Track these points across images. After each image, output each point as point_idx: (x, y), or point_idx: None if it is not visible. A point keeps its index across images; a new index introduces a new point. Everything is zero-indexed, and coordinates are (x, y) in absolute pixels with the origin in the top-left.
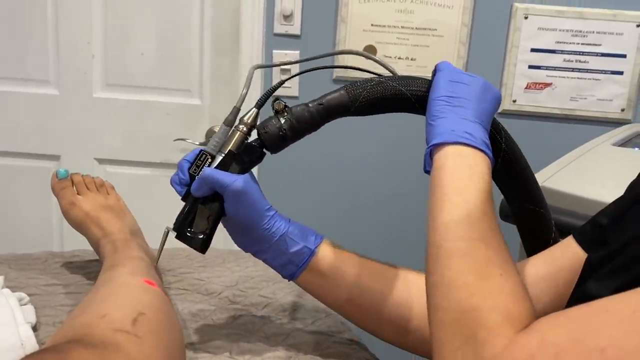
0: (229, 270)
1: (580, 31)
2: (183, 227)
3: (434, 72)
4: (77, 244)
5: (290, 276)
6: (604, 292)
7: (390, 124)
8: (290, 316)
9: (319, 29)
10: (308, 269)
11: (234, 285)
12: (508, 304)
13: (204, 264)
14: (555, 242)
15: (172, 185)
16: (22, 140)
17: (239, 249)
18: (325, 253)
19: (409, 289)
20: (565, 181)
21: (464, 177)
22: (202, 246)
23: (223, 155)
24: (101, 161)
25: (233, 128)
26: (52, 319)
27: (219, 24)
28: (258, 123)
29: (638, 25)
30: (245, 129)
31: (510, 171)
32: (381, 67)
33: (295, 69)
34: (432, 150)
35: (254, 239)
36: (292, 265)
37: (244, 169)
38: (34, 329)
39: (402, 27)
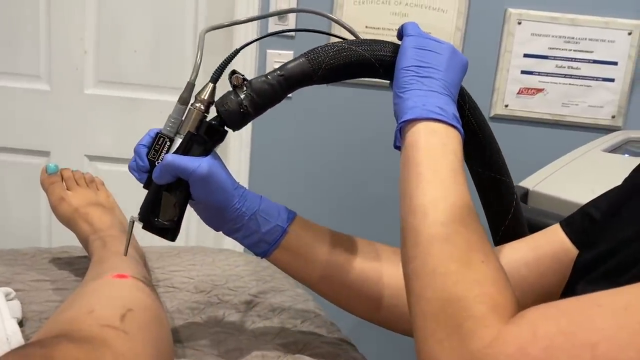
0: (218, 269)
1: (573, 38)
2: (149, 217)
3: (400, 33)
4: (66, 241)
5: (263, 254)
6: None
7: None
8: (279, 316)
9: None
10: (280, 247)
11: (223, 284)
12: (493, 293)
13: (194, 262)
14: (517, 210)
15: (131, 172)
16: (11, 135)
17: (228, 248)
18: (298, 230)
19: (380, 265)
20: (556, 186)
21: (437, 155)
22: (172, 235)
23: (182, 137)
24: (92, 158)
25: (189, 106)
26: (38, 314)
27: (212, 22)
28: (216, 99)
29: (630, 33)
30: (202, 106)
31: (474, 139)
32: (343, 29)
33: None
34: (402, 126)
35: (224, 219)
36: (265, 243)
37: (206, 150)
38: (20, 324)
39: (396, 29)
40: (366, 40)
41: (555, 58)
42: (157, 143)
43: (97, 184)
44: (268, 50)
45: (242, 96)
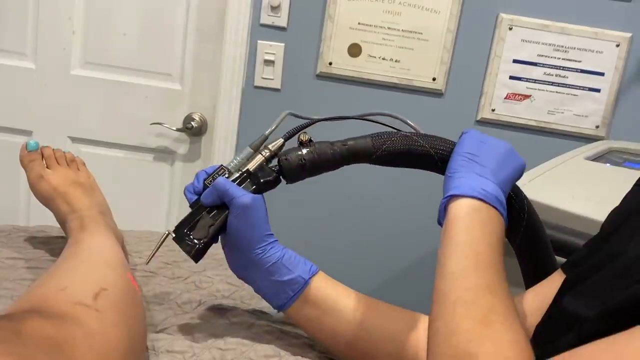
0: None
1: (562, 46)
2: (183, 230)
3: (461, 135)
4: (43, 221)
5: (282, 306)
6: (583, 310)
7: None
8: (256, 305)
9: (306, 23)
10: (301, 300)
11: (201, 271)
12: (507, 352)
13: (172, 247)
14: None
15: (185, 193)
16: None
17: None
18: (321, 284)
19: (418, 335)
20: (538, 190)
21: (476, 230)
22: (195, 253)
23: (240, 172)
24: (74, 140)
25: (256, 151)
26: (10, 292)
27: (204, 9)
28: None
29: (617, 45)
30: (267, 154)
31: (529, 246)
32: (408, 127)
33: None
34: (447, 202)
35: (247, 262)
36: (284, 294)
37: (258, 190)
38: None
39: (389, 28)
40: (427, 134)
41: (543, 65)
42: (217, 172)
43: (77, 163)
44: (259, 41)
45: (305, 152)
